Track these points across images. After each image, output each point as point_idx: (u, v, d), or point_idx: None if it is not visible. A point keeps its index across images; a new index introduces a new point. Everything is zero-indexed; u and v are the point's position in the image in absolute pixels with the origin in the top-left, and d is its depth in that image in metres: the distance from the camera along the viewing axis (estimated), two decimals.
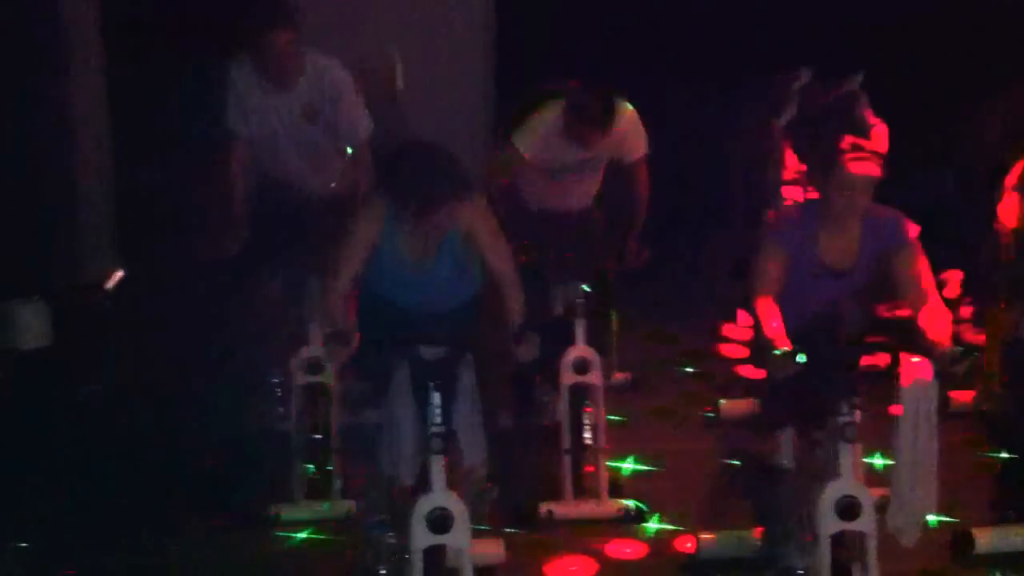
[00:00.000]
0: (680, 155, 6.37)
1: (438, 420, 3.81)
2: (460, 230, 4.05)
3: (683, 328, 6.68)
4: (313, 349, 4.70)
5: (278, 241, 4.91)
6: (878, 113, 6.65)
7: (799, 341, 4.00)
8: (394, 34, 7.07)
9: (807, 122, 6.70)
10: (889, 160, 4.39)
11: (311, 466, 4.75)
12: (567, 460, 4.71)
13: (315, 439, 4.75)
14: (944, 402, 5.46)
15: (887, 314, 4.53)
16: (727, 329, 6.53)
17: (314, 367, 4.71)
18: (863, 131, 6.52)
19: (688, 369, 6.27)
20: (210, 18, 6.01)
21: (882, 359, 4.14)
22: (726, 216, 7.50)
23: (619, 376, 5.90)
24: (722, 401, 5.60)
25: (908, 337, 4.14)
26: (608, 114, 4.82)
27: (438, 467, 3.79)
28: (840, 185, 4.00)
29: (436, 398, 3.82)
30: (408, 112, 6.80)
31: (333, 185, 5.06)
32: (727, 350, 6.36)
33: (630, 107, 5.02)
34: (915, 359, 4.01)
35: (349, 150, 5.01)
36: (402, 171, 3.99)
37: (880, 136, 6.54)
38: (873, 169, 4.01)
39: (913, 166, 7.10)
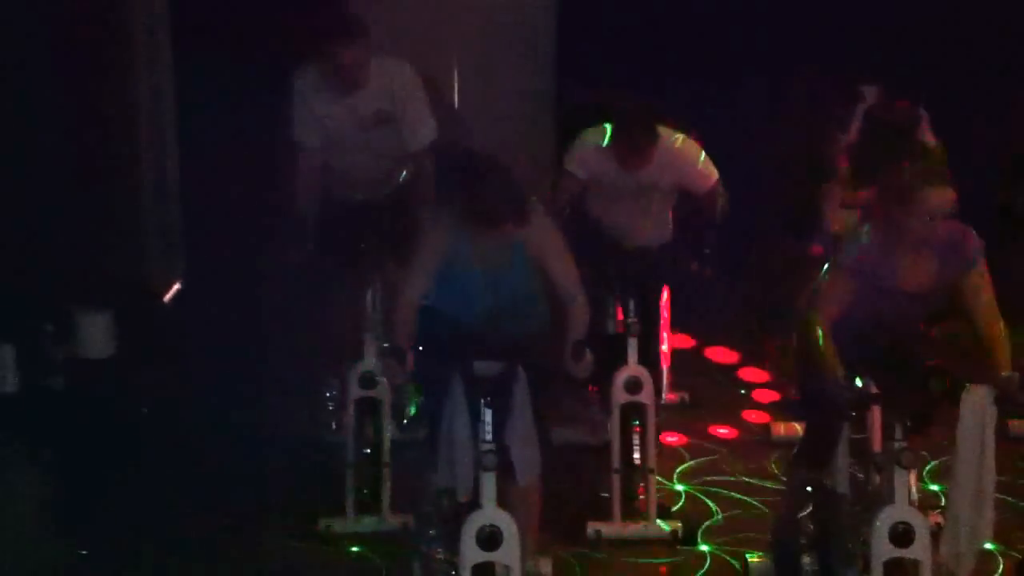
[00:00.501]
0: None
1: (489, 437, 3.83)
2: (525, 244, 4.07)
3: (742, 347, 6.63)
4: (368, 363, 4.74)
5: (341, 251, 4.96)
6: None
7: (863, 365, 3.98)
8: (454, 40, 7.11)
9: (872, 144, 6.62)
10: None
11: (363, 481, 4.78)
12: (616, 480, 4.71)
13: (367, 453, 4.78)
14: (1003, 428, 5.43)
15: (942, 336, 4.46)
16: (778, 349, 6.47)
17: (368, 381, 4.74)
18: (931, 155, 6.47)
19: (742, 391, 6.24)
20: (278, 24, 6.12)
21: (943, 384, 4.09)
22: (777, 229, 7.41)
23: (673, 396, 5.90)
24: (774, 423, 5.56)
25: (969, 362, 4.09)
26: (648, 138, 4.83)
27: (490, 484, 3.81)
28: (919, 213, 3.94)
29: (488, 415, 3.84)
30: (468, 120, 6.84)
31: (394, 190, 5.09)
32: (778, 371, 6.30)
33: (681, 136, 5.02)
34: (975, 385, 3.96)
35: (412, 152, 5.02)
36: (462, 185, 4.02)
37: (943, 157, 6.47)
38: (949, 195, 3.96)
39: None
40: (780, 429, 5.54)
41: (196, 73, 6.83)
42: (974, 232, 4.06)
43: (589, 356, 4.02)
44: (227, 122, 6.65)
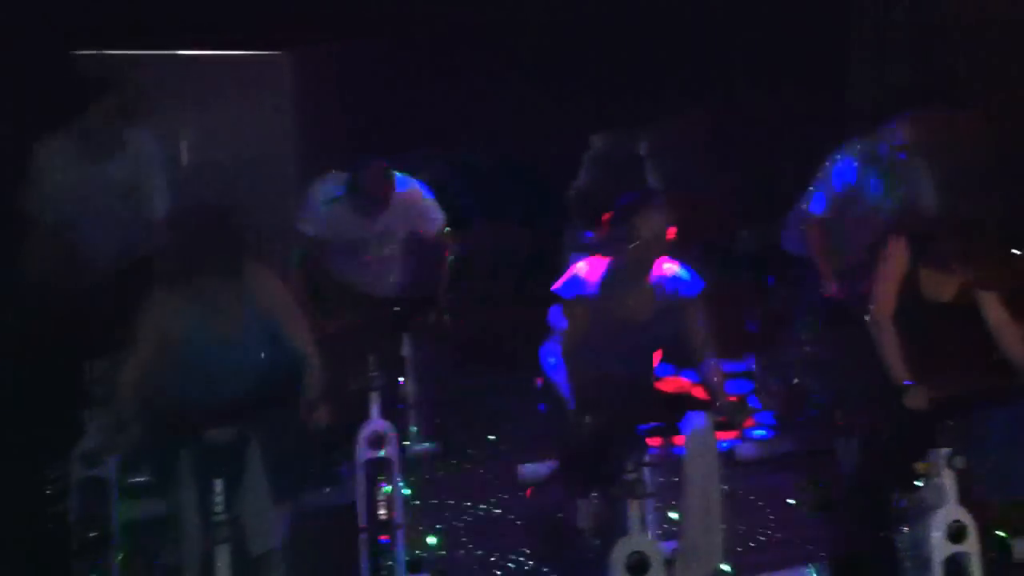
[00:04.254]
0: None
1: (221, 508, 3.69)
2: (256, 306, 3.98)
3: (492, 390, 6.69)
4: (90, 440, 4.49)
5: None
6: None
7: (593, 401, 4.08)
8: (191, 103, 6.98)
9: (597, 186, 6.90)
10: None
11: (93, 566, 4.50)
12: (363, 538, 4.63)
13: (95, 537, 4.51)
14: (729, 452, 5.70)
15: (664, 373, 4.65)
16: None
17: (91, 459, 4.49)
18: (653, 194, 6.78)
19: (491, 437, 6.28)
20: None
21: (665, 415, 4.23)
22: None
23: (423, 447, 5.88)
24: (521, 466, 5.62)
25: (689, 391, 4.28)
26: (387, 182, 4.86)
27: (223, 557, 3.67)
28: (635, 239, 4.09)
29: (219, 485, 3.71)
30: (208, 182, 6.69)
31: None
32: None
33: (413, 182, 5.07)
34: (695, 412, 4.13)
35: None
36: (175, 242, 3.94)
37: (669, 197, 6.80)
38: (659, 226, 4.13)
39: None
40: (529, 470, 5.59)
41: None
42: (695, 274, 4.25)
43: (325, 411, 3.95)
44: None
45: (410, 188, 5.08)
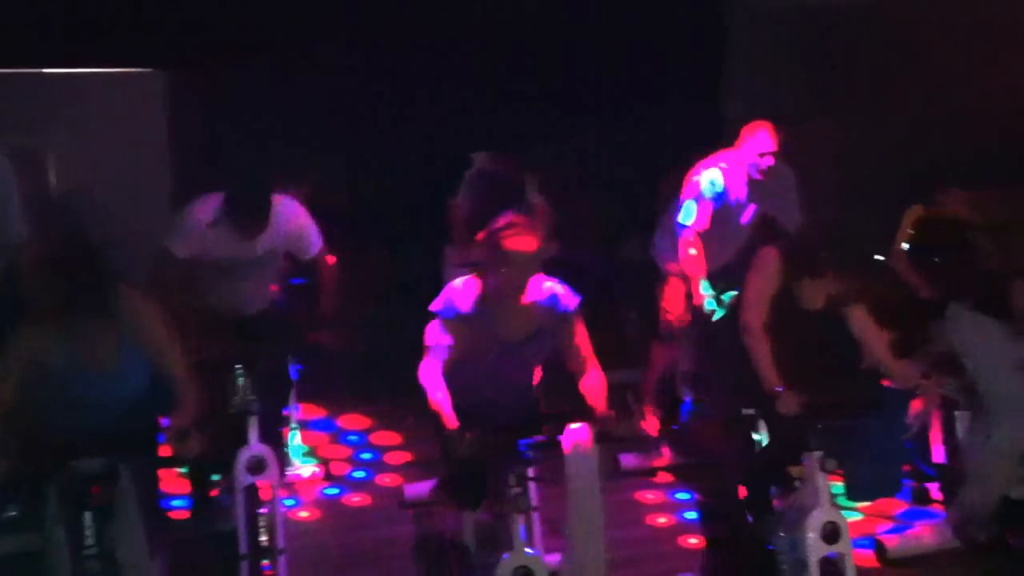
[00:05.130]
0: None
1: (92, 542, 3.58)
2: (129, 333, 3.88)
3: (378, 412, 6.64)
4: None
5: None
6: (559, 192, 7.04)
7: (474, 418, 4.07)
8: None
9: (477, 204, 6.91)
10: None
11: None
12: (245, 566, 4.54)
13: None
14: (615, 464, 5.76)
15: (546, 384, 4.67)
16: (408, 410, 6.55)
17: None
18: (526, 209, 6.83)
19: (376, 457, 6.24)
20: None
21: (547, 430, 4.24)
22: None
23: (306, 469, 5.81)
24: (407, 485, 5.57)
25: (570, 406, 4.30)
26: (265, 202, 4.78)
27: None
28: (504, 261, 4.10)
29: (88, 518, 3.59)
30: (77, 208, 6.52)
31: None
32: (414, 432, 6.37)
33: (293, 202, 5.01)
34: (575, 426, 4.15)
35: None
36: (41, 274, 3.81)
37: (543, 214, 6.87)
38: (530, 244, 4.14)
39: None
40: (413, 490, 5.56)
41: None
42: (569, 286, 4.28)
43: (198, 438, 3.86)
44: None
45: (289, 209, 5.00)
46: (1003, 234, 5.15)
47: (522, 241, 4.11)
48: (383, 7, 7.86)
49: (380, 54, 8.05)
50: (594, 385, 4.24)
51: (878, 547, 4.94)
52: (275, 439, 4.93)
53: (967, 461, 4.93)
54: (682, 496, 5.60)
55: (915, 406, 5.07)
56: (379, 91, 7.98)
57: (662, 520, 5.42)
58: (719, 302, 5.31)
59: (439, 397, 4.05)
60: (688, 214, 5.54)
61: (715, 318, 5.23)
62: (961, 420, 5.07)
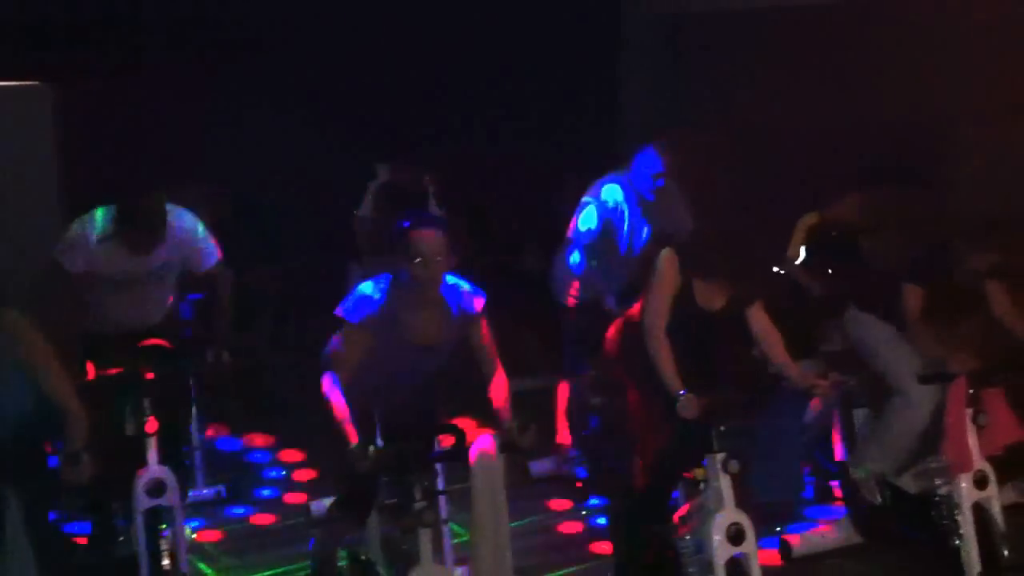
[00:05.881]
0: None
1: None
2: (8, 354, 3.75)
3: (281, 428, 6.54)
4: None
5: None
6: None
7: (380, 428, 4.03)
8: None
9: (384, 214, 6.88)
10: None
11: None
12: None
13: None
14: (524, 470, 5.76)
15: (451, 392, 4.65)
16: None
17: None
18: (433, 218, 6.82)
19: (282, 475, 6.15)
20: None
21: (451, 439, 4.22)
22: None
23: (208, 490, 5.71)
24: (313, 502, 5.51)
25: (476, 413, 4.28)
26: (159, 217, 4.69)
27: None
28: (414, 257, 4.06)
29: None
30: None
31: None
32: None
33: (186, 212, 4.92)
34: (481, 435, 4.14)
35: None
36: None
37: (446, 224, 6.86)
38: (440, 240, 4.12)
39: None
40: (320, 507, 5.49)
41: None
42: (478, 288, 4.27)
43: (86, 462, 3.76)
44: None
45: (184, 222, 4.90)
46: (889, 236, 5.28)
47: (432, 236, 4.08)
48: (281, 15, 7.81)
49: (279, 64, 7.98)
50: (500, 391, 4.23)
51: (783, 546, 5.02)
52: (176, 460, 4.81)
53: (859, 453, 5.04)
54: (592, 502, 5.63)
55: (814, 405, 5.16)
56: (279, 101, 7.90)
57: (572, 526, 5.43)
58: (623, 305, 5.35)
59: (341, 411, 4.00)
60: (588, 224, 5.60)
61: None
62: (859, 418, 5.18)
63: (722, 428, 4.20)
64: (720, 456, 4.18)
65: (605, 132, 7.91)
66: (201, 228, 4.96)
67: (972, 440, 4.52)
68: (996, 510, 4.53)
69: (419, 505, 3.96)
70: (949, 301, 4.87)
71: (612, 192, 5.61)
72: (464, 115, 8.24)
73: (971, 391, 4.52)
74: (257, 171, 7.68)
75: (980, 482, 4.52)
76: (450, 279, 4.19)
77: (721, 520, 4.15)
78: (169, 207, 4.81)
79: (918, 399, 4.81)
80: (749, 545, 4.17)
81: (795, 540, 5.05)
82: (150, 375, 4.72)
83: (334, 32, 8.10)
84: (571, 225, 5.67)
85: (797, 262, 5.85)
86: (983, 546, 4.47)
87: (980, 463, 4.53)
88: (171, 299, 5.08)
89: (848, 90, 7.22)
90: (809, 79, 7.39)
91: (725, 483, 4.18)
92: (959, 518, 4.51)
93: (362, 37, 8.09)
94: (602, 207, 5.60)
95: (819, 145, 7.04)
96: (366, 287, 4.19)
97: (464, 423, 4.27)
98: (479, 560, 4.12)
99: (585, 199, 5.65)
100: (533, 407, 6.35)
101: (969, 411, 4.52)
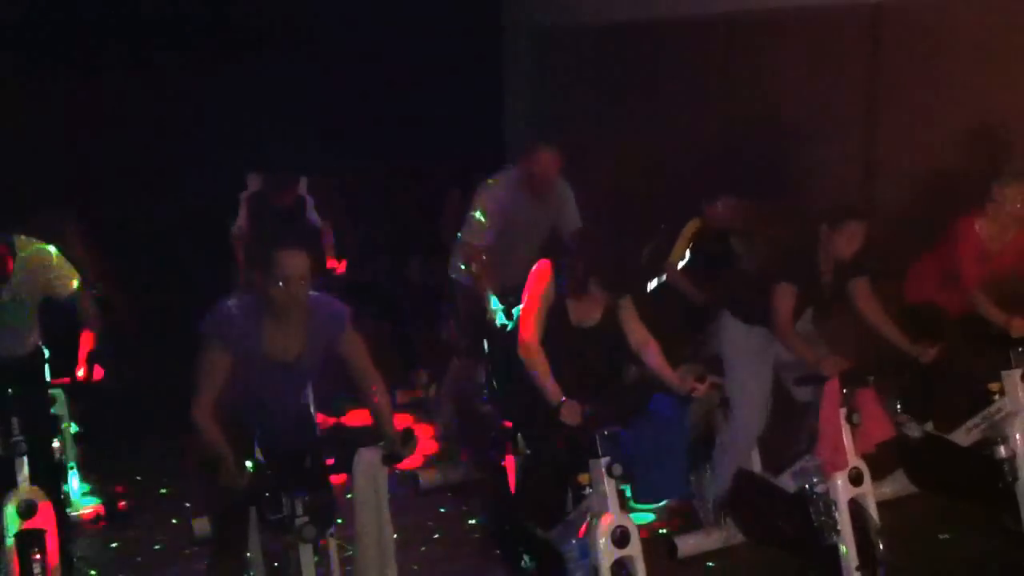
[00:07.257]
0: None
1: None
2: None
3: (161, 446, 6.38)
4: None
5: None
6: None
7: (253, 446, 3.97)
8: None
9: (257, 225, 6.79)
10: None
11: None
12: None
13: None
14: (414, 482, 5.75)
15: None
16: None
17: None
18: (310, 233, 6.79)
19: (163, 491, 6.02)
20: None
21: (332, 452, 4.18)
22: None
23: (88, 511, 5.55)
24: (195, 519, 5.39)
25: (361, 428, 4.25)
26: (6, 250, 4.56)
27: None
28: (278, 278, 4.02)
29: None
30: None
31: None
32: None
33: (35, 243, 4.76)
34: (364, 448, 4.11)
35: None
36: None
37: (326, 235, 6.83)
38: (303, 260, 4.08)
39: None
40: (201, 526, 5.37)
41: None
42: (340, 300, 4.23)
43: None
44: None
45: (36, 251, 4.75)
46: (759, 240, 5.38)
47: (294, 258, 4.04)
48: (147, 24, 7.66)
49: (149, 72, 7.83)
50: (380, 403, 4.20)
51: (668, 547, 5.07)
52: (49, 480, 4.66)
53: (717, 451, 5.14)
54: (477, 509, 5.62)
55: (696, 408, 5.23)
56: (147, 110, 7.75)
57: (457, 534, 5.42)
58: (509, 315, 5.35)
59: (213, 433, 3.94)
60: (472, 231, 5.58)
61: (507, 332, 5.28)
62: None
63: (605, 433, 4.24)
64: (604, 460, 4.22)
65: (488, 143, 7.94)
66: (56, 255, 4.81)
67: (847, 439, 4.63)
68: (871, 506, 4.64)
69: (300, 521, 3.92)
70: (819, 301, 4.98)
71: (498, 192, 5.59)
72: (344, 123, 8.20)
73: (844, 391, 4.63)
74: (126, 181, 7.52)
75: (855, 479, 4.62)
76: (312, 296, 4.16)
77: (606, 523, 4.18)
78: (20, 240, 4.67)
79: (746, 416, 4.93)
80: (634, 548, 4.21)
81: (680, 541, 5.12)
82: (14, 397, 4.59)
83: (212, 38, 7.98)
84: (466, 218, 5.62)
85: (679, 267, 5.95)
86: (860, 542, 4.57)
87: (855, 461, 4.63)
88: (33, 324, 4.92)
89: (716, 99, 7.37)
90: (700, 87, 7.52)
91: (610, 487, 4.22)
92: (836, 515, 4.61)
93: (236, 43, 7.99)
94: (493, 205, 5.56)
95: (690, 155, 7.18)
96: (232, 302, 4.14)
97: (343, 434, 4.24)
98: (363, 573, 4.08)
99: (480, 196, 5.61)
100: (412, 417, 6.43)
101: (843, 411, 4.62)
